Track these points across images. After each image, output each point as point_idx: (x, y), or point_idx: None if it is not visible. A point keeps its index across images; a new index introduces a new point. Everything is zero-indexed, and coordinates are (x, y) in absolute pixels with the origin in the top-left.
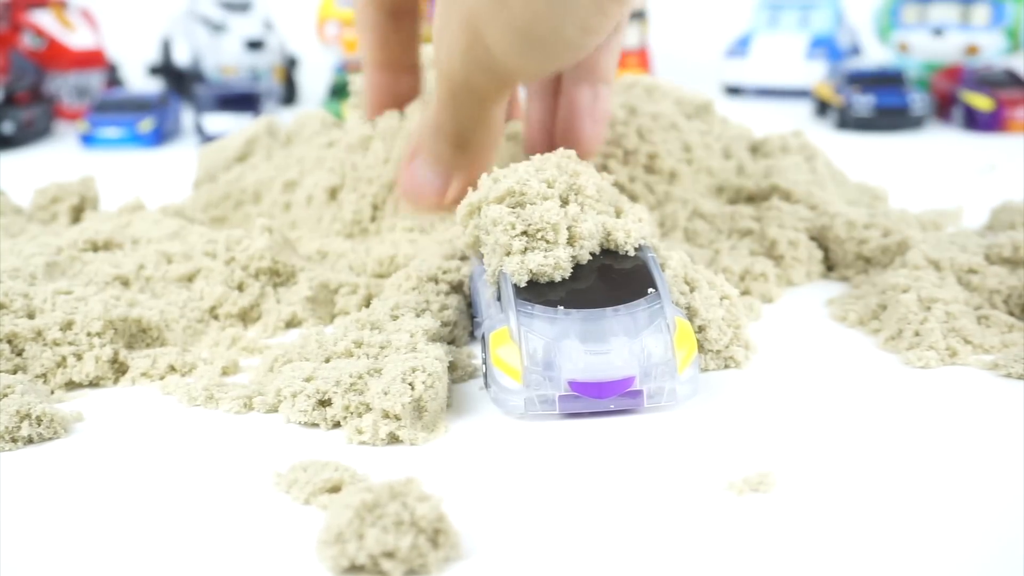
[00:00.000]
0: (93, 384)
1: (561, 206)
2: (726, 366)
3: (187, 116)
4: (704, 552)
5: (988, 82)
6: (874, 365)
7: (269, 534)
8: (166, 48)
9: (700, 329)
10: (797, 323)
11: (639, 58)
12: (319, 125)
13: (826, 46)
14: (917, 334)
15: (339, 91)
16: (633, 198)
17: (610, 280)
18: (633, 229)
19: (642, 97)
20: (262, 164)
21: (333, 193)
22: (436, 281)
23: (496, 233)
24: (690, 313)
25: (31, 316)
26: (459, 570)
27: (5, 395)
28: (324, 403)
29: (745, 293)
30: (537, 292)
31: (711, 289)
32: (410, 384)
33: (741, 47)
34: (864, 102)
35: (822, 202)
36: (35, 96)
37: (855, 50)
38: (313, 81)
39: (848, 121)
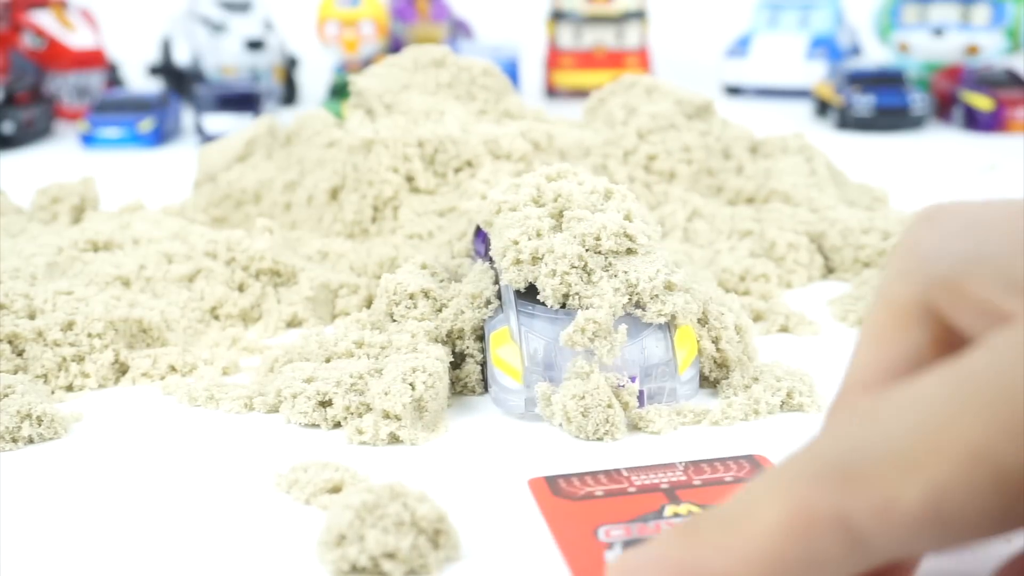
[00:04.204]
0: (94, 385)
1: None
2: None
3: (187, 116)
4: None
5: (988, 82)
6: None
7: (270, 535)
8: (166, 48)
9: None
10: (798, 323)
11: (639, 58)
12: (319, 125)
13: (826, 46)
14: None
15: (339, 91)
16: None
17: None
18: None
19: (642, 97)
20: (262, 164)
21: (334, 193)
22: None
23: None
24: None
25: (32, 316)
26: (459, 570)
27: (6, 395)
28: (324, 403)
29: (745, 294)
30: (537, 292)
31: (722, 316)
32: (411, 384)
33: (741, 47)
34: (864, 102)
35: (822, 206)
36: (35, 96)
37: (855, 50)
38: (313, 81)
39: (848, 121)
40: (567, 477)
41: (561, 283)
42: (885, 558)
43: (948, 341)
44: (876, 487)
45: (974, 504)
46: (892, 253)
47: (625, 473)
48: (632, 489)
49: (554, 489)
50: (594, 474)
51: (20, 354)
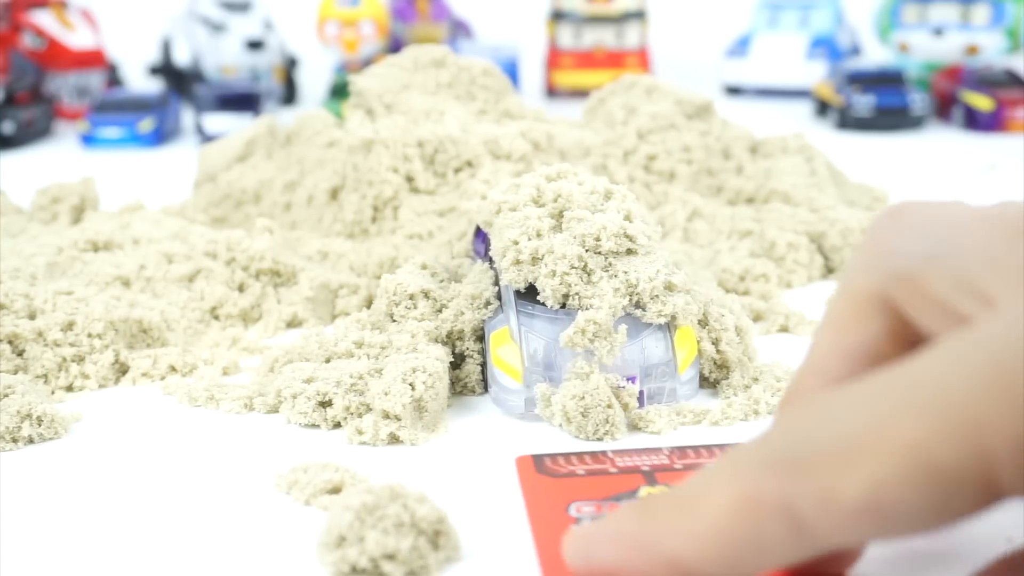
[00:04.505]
0: (94, 385)
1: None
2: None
3: (187, 116)
4: None
5: (988, 82)
6: None
7: (270, 536)
8: (166, 48)
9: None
10: (798, 323)
11: (639, 58)
12: (319, 125)
13: (826, 46)
14: None
15: (339, 91)
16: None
17: None
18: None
19: (642, 97)
20: (262, 164)
21: (334, 193)
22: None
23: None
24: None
25: (32, 317)
26: (459, 571)
27: (6, 395)
28: (324, 404)
29: (745, 294)
30: (537, 292)
31: (722, 318)
32: (411, 384)
33: (741, 47)
34: (864, 102)
35: (822, 206)
36: (35, 96)
37: (855, 50)
38: (313, 81)
39: (848, 121)
40: (553, 456)
41: (561, 283)
42: (829, 546)
43: (904, 335)
44: (819, 478)
45: (910, 499)
46: (857, 247)
47: (611, 455)
48: (613, 470)
49: (539, 467)
50: (580, 454)
51: (20, 354)
